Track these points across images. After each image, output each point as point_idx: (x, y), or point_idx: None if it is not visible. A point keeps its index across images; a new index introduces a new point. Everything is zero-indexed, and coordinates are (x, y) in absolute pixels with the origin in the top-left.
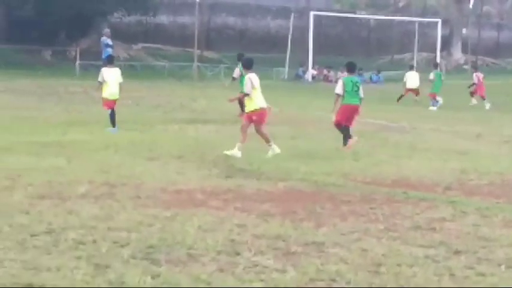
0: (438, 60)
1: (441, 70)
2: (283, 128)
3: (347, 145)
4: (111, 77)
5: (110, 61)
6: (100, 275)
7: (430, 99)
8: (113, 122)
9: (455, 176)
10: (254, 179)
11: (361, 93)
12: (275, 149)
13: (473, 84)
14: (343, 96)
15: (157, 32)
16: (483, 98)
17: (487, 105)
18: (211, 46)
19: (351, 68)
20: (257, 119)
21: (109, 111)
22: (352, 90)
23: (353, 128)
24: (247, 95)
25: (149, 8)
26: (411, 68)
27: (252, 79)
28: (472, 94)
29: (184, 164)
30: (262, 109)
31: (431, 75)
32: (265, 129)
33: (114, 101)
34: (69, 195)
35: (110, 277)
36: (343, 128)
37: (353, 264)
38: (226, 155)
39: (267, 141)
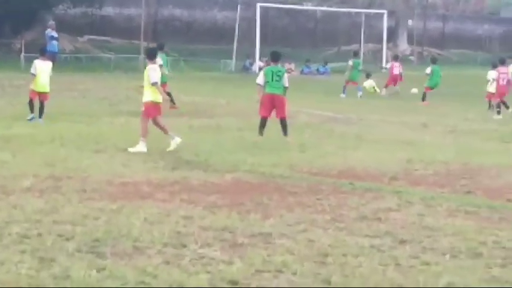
0: (384, 52)
1: (360, 58)
2: (230, 119)
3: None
4: (42, 69)
5: (43, 53)
6: (45, 269)
7: (343, 87)
8: (31, 109)
9: (400, 166)
10: (201, 170)
11: (284, 82)
12: (143, 147)
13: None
14: (264, 86)
15: (103, 24)
16: (389, 85)
17: (383, 91)
18: (157, 38)
19: (274, 58)
20: (145, 111)
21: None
22: (272, 80)
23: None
24: (155, 83)
25: (95, 0)
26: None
27: (156, 70)
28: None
29: (130, 156)
30: (156, 103)
31: (350, 62)
32: (146, 123)
33: (42, 94)
34: (13, 189)
35: (55, 271)
36: (262, 119)
37: (299, 255)
38: (171, 150)
39: (143, 136)
